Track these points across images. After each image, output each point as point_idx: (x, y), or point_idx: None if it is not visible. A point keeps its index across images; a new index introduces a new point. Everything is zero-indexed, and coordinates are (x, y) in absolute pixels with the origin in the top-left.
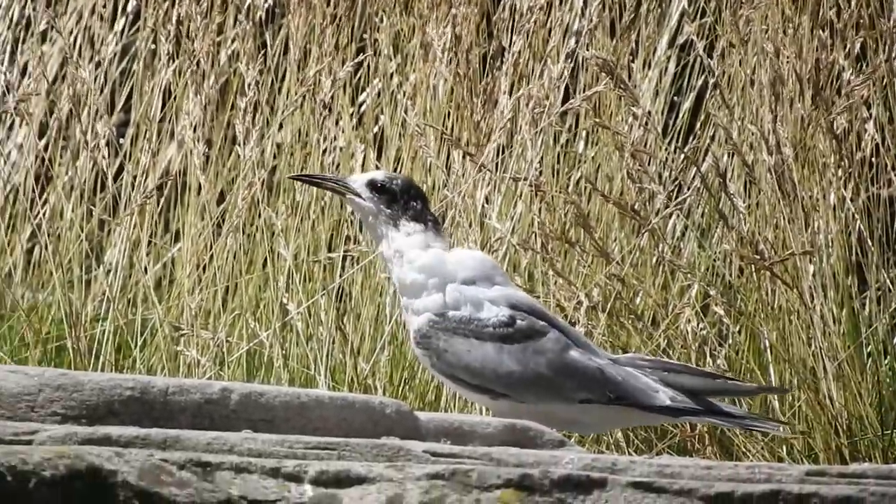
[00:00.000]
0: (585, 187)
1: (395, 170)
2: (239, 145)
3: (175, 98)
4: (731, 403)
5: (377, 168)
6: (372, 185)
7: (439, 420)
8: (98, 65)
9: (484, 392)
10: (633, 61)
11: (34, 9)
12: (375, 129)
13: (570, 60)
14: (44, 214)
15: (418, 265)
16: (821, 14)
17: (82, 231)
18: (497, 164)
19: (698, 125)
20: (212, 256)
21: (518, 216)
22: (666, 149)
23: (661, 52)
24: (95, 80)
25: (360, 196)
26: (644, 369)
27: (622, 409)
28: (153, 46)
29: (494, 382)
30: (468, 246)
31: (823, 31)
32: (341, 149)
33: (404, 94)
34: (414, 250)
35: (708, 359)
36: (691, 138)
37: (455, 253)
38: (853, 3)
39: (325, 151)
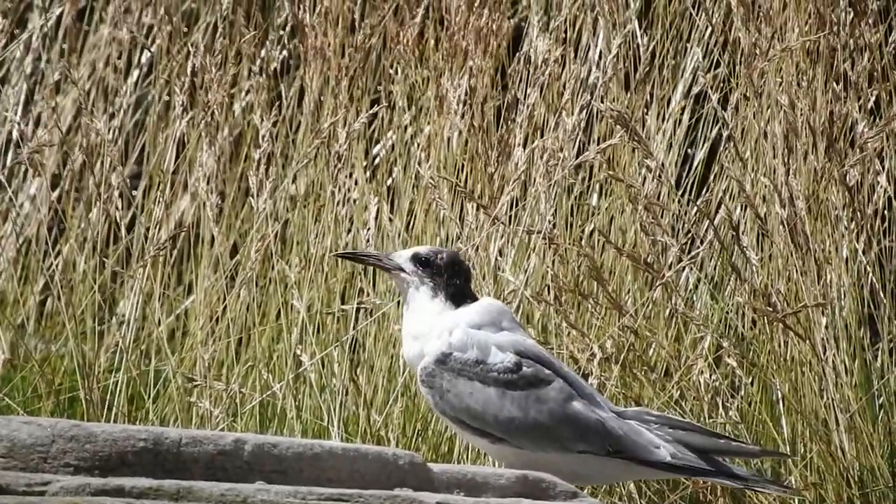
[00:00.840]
0: (599, 240)
1: (408, 224)
2: (252, 197)
3: (188, 150)
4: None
5: (420, 245)
6: (416, 259)
7: (452, 472)
8: (112, 116)
9: (485, 436)
10: (647, 113)
11: (48, 60)
12: (389, 182)
13: (584, 113)
14: (57, 266)
15: (431, 320)
16: (835, 66)
17: (95, 282)
18: (511, 216)
19: (712, 177)
20: (225, 308)
21: (531, 269)
22: (679, 201)
23: (676, 103)
24: (109, 131)
25: (406, 271)
26: (650, 424)
27: (621, 463)
28: (167, 98)
29: (494, 427)
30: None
31: (837, 83)
32: (355, 201)
33: (418, 146)
34: (435, 316)
35: (720, 410)
36: (704, 191)
37: (472, 305)
38: (867, 56)
39: (338, 203)
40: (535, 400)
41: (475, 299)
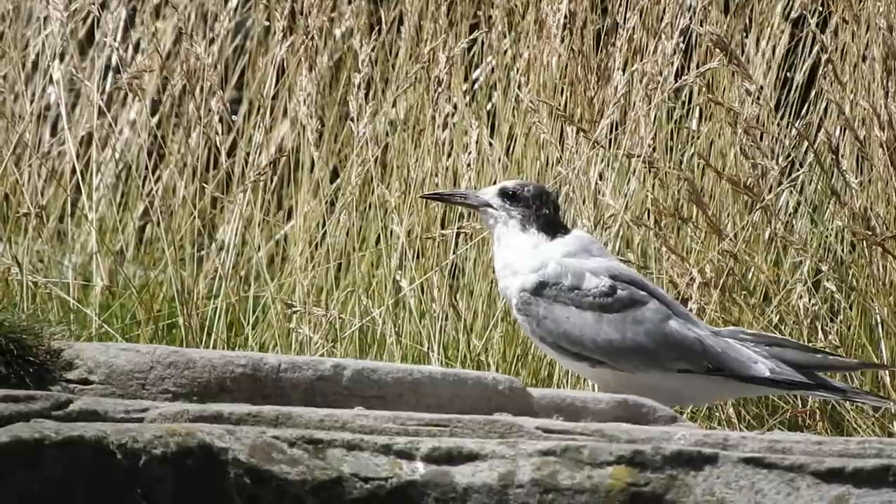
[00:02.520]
0: (698, 163)
1: (508, 148)
2: (352, 122)
3: (288, 75)
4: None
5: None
6: (503, 193)
7: (552, 396)
8: (212, 41)
9: (583, 360)
10: (746, 37)
11: None
12: (489, 106)
13: (683, 36)
14: (156, 192)
15: (523, 254)
16: None
17: (195, 208)
18: (610, 140)
19: (811, 101)
20: (324, 234)
21: (631, 193)
22: (779, 124)
23: (775, 26)
24: (209, 56)
25: (493, 206)
26: (746, 342)
27: (721, 380)
28: (267, 23)
29: (592, 350)
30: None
31: None
32: (455, 125)
33: (517, 71)
34: (526, 249)
35: (819, 334)
36: (804, 114)
37: (562, 238)
38: None
39: (438, 128)
40: (631, 321)
41: (567, 230)
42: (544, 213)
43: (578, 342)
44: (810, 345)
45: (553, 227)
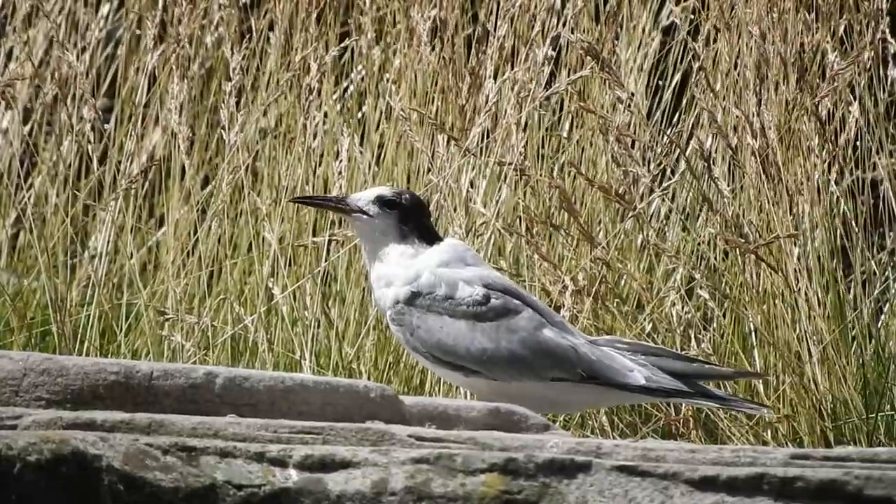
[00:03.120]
0: (570, 171)
1: (379, 156)
2: (223, 130)
3: (160, 83)
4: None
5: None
6: (381, 201)
7: (424, 404)
8: (83, 50)
9: (457, 369)
10: (617, 45)
11: None
12: (360, 115)
13: (554, 44)
14: (28, 199)
15: (397, 264)
16: None
17: (67, 216)
18: (482, 148)
19: (682, 108)
20: (196, 241)
21: (503, 200)
22: (650, 132)
23: (646, 35)
24: (81, 64)
25: (368, 214)
26: (622, 351)
27: (596, 388)
28: (138, 31)
29: (466, 359)
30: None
31: (809, 13)
32: (325, 133)
33: (387, 80)
34: (401, 258)
35: (693, 342)
36: (676, 122)
37: (436, 246)
38: None
39: (310, 136)
40: (505, 329)
41: (440, 239)
42: (422, 222)
43: (452, 352)
44: (685, 353)
45: (429, 235)
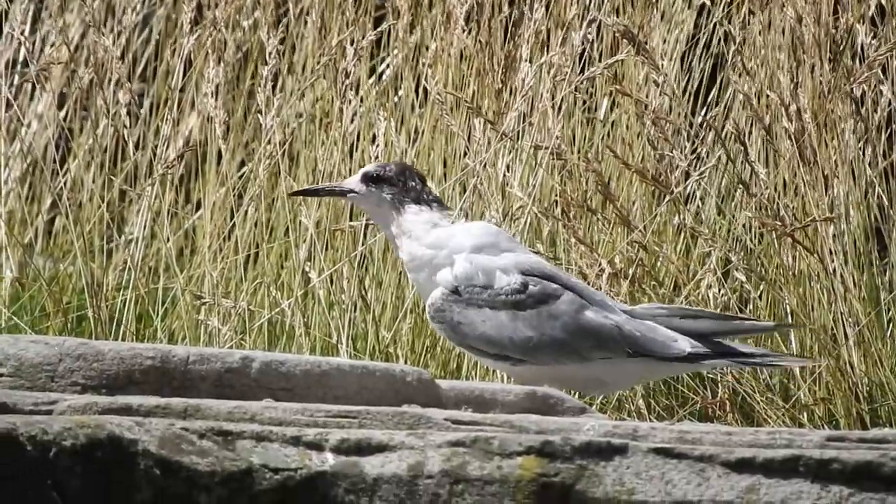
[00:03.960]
0: (607, 155)
1: (414, 140)
2: (260, 114)
3: (196, 67)
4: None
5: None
6: (367, 178)
7: (460, 388)
8: (119, 34)
9: (503, 359)
10: (652, 27)
11: None
12: (396, 99)
13: (590, 27)
14: (64, 184)
15: (426, 242)
16: None
17: (103, 201)
18: (518, 132)
19: (718, 91)
20: (233, 225)
21: (539, 184)
22: (686, 116)
23: (679, 14)
24: (117, 48)
25: (357, 192)
26: (661, 318)
27: (642, 362)
28: (174, 15)
29: (511, 349)
30: (488, 219)
31: None
32: (361, 117)
33: (424, 64)
34: (420, 226)
35: None
36: (712, 104)
37: (459, 226)
38: None
39: (346, 120)
40: (546, 316)
41: (438, 201)
42: (413, 187)
43: (497, 343)
44: (724, 313)
45: (428, 200)
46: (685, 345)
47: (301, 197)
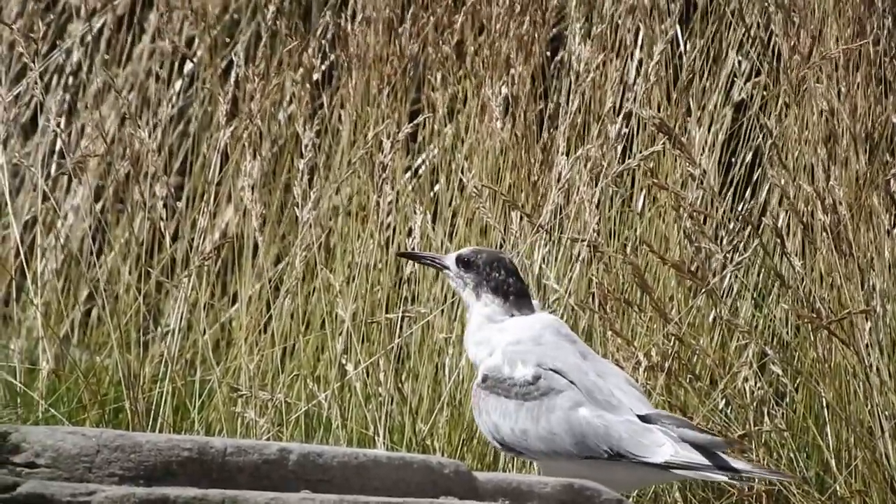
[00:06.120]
0: (643, 247)
1: (450, 233)
2: (296, 207)
3: (232, 160)
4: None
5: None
6: (459, 260)
7: (498, 480)
8: (155, 126)
9: (510, 450)
10: (688, 120)
11: (90, 69)
12: (432, 192)
13: (626, 120)
14: (101, 276)
15: (475, 339)
16: (874, 72)
17: (140, 293)
18: (555, 224)
19: (754, 185)
20: (270, 318)
21: (576, 277)
22: (723, 209)
23: (717, 111)
24: (153, 141)
25: (451, 271)
26: (667, 426)
27: (626, 466)
28: (210, 108)
29: (510, 439)
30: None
31: (878, 86)
32: (398, 210)
33: (461, 156)
34: (477, 318)
35: (765, 418)
36: (748, 198)
37: (514, 320)
38: None
39: (382, 213)
40: (545, 409)
41: (518, 293)
42: (495, 278)
43: (502, 431)
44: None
45: (513, 295)
46: (666, 452)
47: (405, 259)
